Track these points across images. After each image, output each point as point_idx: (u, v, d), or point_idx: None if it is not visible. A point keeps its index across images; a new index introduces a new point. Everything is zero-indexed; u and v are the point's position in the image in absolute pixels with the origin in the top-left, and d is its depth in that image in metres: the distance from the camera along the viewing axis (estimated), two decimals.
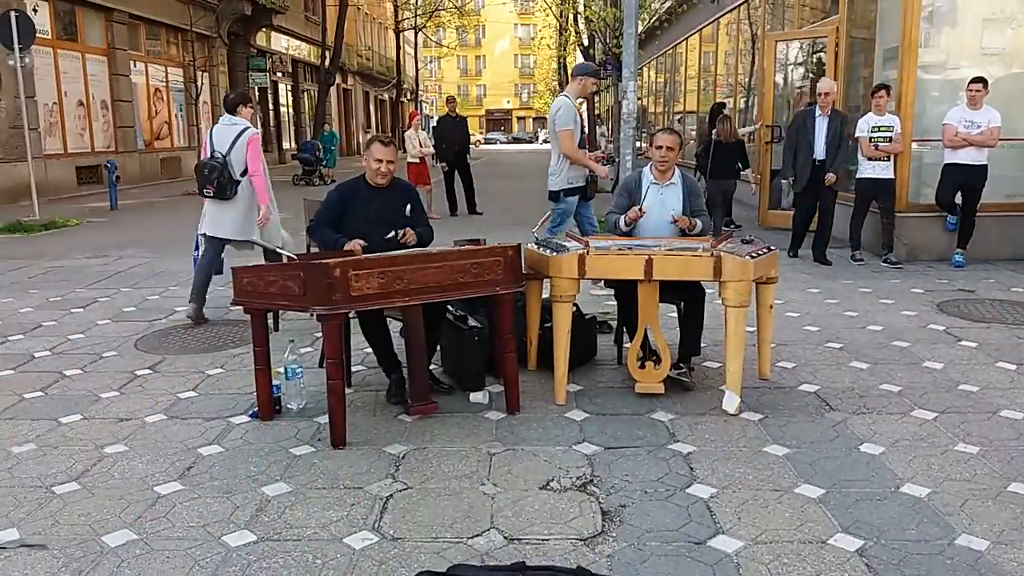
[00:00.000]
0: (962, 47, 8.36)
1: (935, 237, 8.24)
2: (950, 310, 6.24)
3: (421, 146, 12.68)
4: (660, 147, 4.66)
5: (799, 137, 8.07)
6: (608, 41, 17.20)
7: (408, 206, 4.57)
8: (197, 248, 6.34)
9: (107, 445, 3.80)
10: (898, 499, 3.20)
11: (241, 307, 4.12)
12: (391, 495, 3.26)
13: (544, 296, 4.56)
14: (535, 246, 4.56)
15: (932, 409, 4.17)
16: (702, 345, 4.86)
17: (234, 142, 5.84)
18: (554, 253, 4.28)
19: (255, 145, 5.89)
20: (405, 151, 12.90)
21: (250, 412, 4.14)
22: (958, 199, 7.79)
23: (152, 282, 7.76)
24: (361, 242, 4.30)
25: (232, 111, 6.02)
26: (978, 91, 7.49)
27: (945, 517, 3.05)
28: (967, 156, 7.54)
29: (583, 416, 4.12)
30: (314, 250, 4.98)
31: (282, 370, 4.20)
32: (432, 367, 4.55)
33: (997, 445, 3.72)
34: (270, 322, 5.75)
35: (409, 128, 13.37)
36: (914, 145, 8.24)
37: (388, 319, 4.37)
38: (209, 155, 5.85)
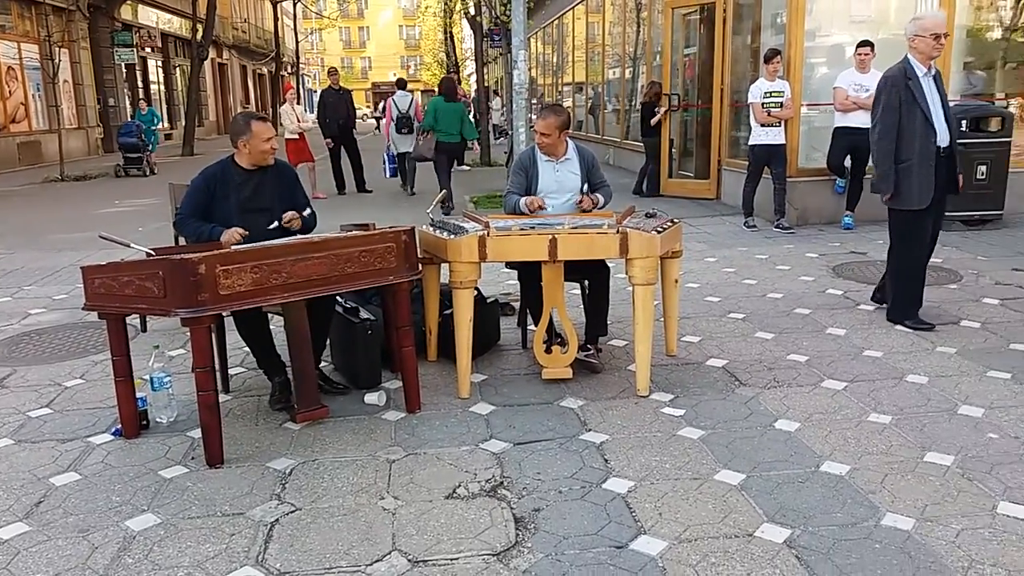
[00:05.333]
0: (835, 14, 8.48)
1: (825, 200, 8.37)
2: (845, 273, 6.30)
3: (299, 121, 12.00)
4: (536, 132, 4.40)
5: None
6: (495, 9, 16.78)
7: (288, 188, 4.14)
8: None
9: None
10: (820, 479, 3.08)
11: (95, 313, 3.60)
12: (277, 520, 2.88)
13: (443, 282, 4.24)
14: (431, 228, 4.22)
15: (841, 379, 4.11)
16: (608, 323, 4.66)
17: None
18: (452, 236, 3.96)
19: None
20: (282, 126, 12.21)
21: (113, 430, 3.65)
22: (847, 162, 7.91)
23: (3, 282, 6.97)
24: (241, 231, 3.82)
25: None
26: (866, 55, 7.59)
27: (868, 496, 2.94)
28: (856, 119, 7.63)
29: (489, 409, 3.84)
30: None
31: (147, 379, 3.72)
32: (322, 365, 4.16)
33: (908, 413, 3.67)
34: (137, 324, 5.21)
35: (285, 102, 12.64)
36: (803, 109, 8.31)
37: (269, 315, 3.96)
38: None
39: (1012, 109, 8.48)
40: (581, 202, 4.41)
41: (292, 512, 2.93)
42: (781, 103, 7.78)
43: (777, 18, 8.61)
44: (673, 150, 11.32)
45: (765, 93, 7.79)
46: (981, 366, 4.22)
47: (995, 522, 2.75)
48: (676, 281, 4.48)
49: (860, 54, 7.62)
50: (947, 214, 7.68)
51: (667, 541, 2.68)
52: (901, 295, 4.96)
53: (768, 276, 6.29)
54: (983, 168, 7.58)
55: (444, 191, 5.18)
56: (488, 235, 3.87)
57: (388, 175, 12.62)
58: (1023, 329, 4.79)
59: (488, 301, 4.78)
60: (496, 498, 3.00)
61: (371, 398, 3.93)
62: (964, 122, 7.54)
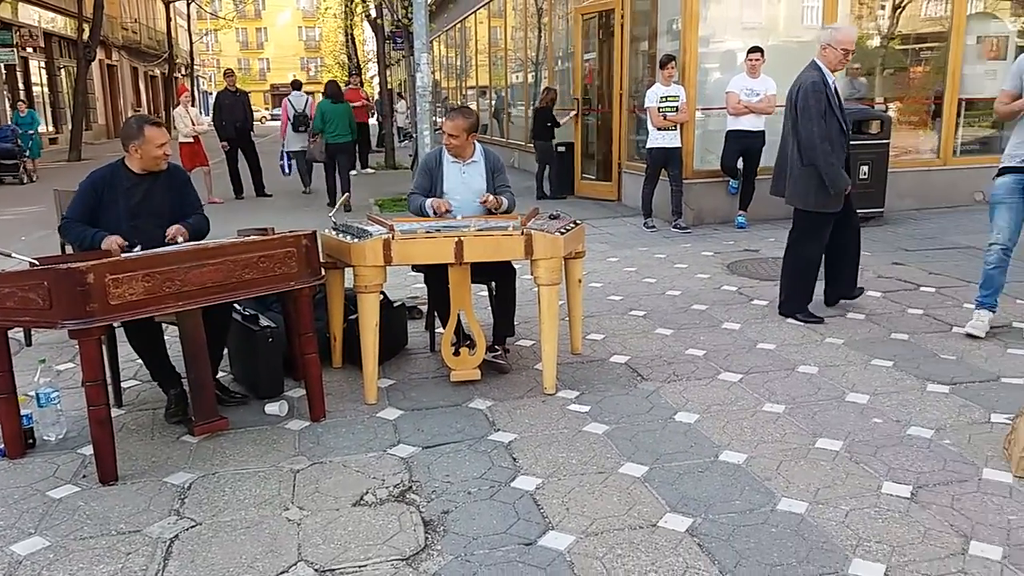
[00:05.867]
0: (727, 21, 8.81)
1: (719, 201, 8.68)
2: (739, 270, 6.55)
3: (194, 124, 11.60)
4: (445, 133, 4.42)
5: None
6: (397, 12, 16.67)
7: (179, 193, 3.99)
8: None
9: None
10: (719, 468, 3.20)
11: None
12: (176, 536, 2.78)
13: (348, 286, 4.18)
14: (334, 232, 4.16)
15: (737, 371, 4.28)
16: (515, 324, 4.70)
17: None
18: (356, 239, 3.91)
19: None
20: (176, 129, 11.77)
21: None
22: (740, 164, 8.22)
23: None
24: (119, 240, 3.65)
25: None
26: (757, 60, 7.92)
27: (764, 482, 3.07)
28: (748, 123, 7.97)
29: (397, 414, 3.81)
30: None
31: (33, 395, 3.52)
32: (220, 375, 4.04)
33: (800, 402, 3.85)
34: (20, 337, 4.93)
35: (178, 105, 12.20)
36: (698, 113, 8.60)
37: (163, 324, 3.81)
38: None
39: (891, 113, 9.01)
40: (485, 201, 4.43)
41: (192, 527, 2.83)
42: (677, 107, 8.03)
43: (673, 24, 8.88)
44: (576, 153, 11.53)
45: (661, 98, 8.02)
46: (866, 355, 4.46)
47: (880, 501, 2.92)
48: (580, 281, 4.56)
49: (751, 59, 7.95)
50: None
51: (574, 536, 2.73)
52: (796, 290, 5.18)
53: (667, 274, 6.48)
54: (865, 168, 8.02)
55: (347, 194, 5.10)
56: (393, 238, 3.84)
57: (286, 172, 12.76)
58: (903, 320, 5.10)
59: (395, 305, 4.74)
60: (405, 503, 2.98)
61: (273, 408, 3.84)
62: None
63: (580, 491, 3.03)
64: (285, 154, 12.55)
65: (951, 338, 4.71)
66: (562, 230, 4.05)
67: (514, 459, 3.31)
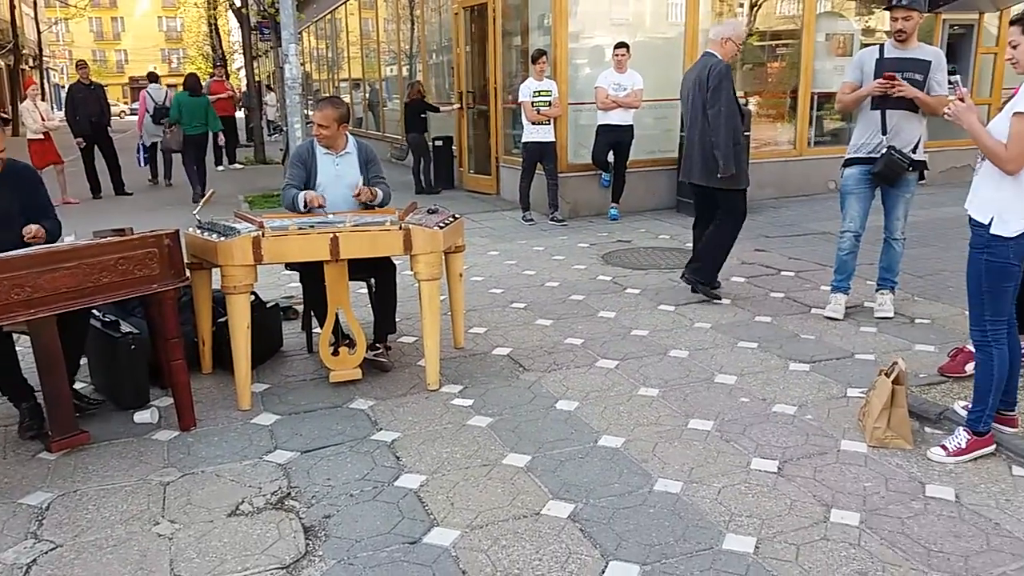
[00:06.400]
0: (596, 17, 9.01)
1: (593, 194, 8.88)
2: (614, 261, 6.72)
3: (44, 119, 10.81)
4: (315, 124, 4.31)
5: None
6: (263, 1, 16.09)
7: (28, 194, 3.70)
8: None
9: None
10: (598, 453, 3.27)
11: None
12: (34, 560, 2.59)
13: (216, 287, 4.00)
14: (198, 230, 3.97)
15: (613, 358, 4.39)
16: (396, 320, 4.64)
17: None
18: (222, 237, 3.74)
19: None
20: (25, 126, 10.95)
21: None
22: (610, 157, 8.43)
23: None
24: None
25: None
26: (623, 55, 8.13)
27: (642, 464, 3.17)
28: (616, 117, 8.18)
29: (273, 419, 3.69)
30: None
31: None
32: (79, 385, 3.79)
33: (672, 385, 4.00)
34: None
35: (25, 99, 11.34)
36: (570, 108, 8.75)
37: (13, 334, 3.53)
38: None
39: (751, 107, 9.47)
40: (359, 194, 4.33)
41: (52, 550, 2.64)
42: (550, 102, 8.14)
43: (544, 19, 8.99)
44: (454, 147, 11.53)
45: (534, 92, 8.11)
46: (732, 338, 4.68)
47: (749, 477, 3.07)
48: (460, 275, 4.55)
49: (617, 55, 8.16)
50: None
51: (459, 530, 2.73)
52: (716, 263, 5.47)
53: (546, 266, 6.58)
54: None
55: (212, 190, 4.87)
56: (263, 236, 3.71)
57: (141, 164, 12.90)
58: (766, 303, 5.38)
59: (268, 306, 4.59)
60: (284, 510, 2.89)
61: (140, 417, 3.64)
62: None
63: (464, 485, 3.04)
64: (142, 146, 12.75)
65: (810, 319, 5.01)
66: (441, 224, 4.03)
67: (397, 458, 3.28)
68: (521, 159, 8.58)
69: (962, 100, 3.06)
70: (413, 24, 14.34)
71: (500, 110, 10.16)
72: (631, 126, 8.29)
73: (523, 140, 8.39)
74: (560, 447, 3.34)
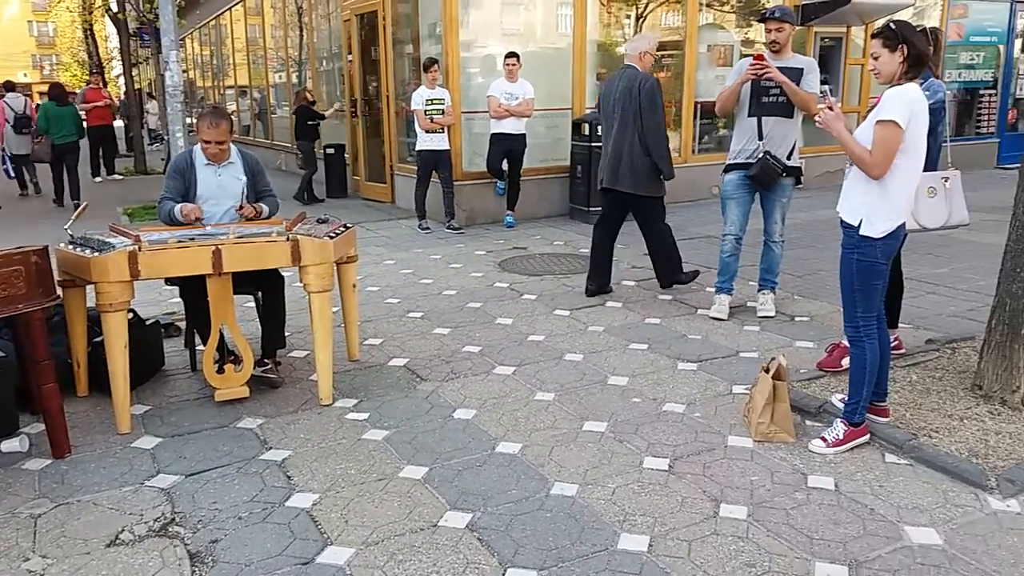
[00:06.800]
0: (488, 26, 9.07)
1: (489, 202, 8.91)
2: (510, 268, 6.76)
3: None
4: (208, 141, 4.12)
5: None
6: (141, 6, 15.41)
7: None
8: None
9: None
10: (496, 460, 3.27)
11: None
12: None
13: (91, 305, 3.78)
14: (70, 246, 3.74)
15: (510, 364, 4.41)
16: (286, 335, 4.52)
17: None
18: (96, 253, 3.54)
19: None
20: None
21: None
22: (505, 165, 8.49)
23: None
24: None
25: None
26: (513, 65, 8.20)
27: (539, 469, 3.19)
28: (509, 126, 8.24)
29: (155, 442, 3.51)
30: None
31: None
32: None
33: (568, 388, 4.04)
34: None
35: None
36: (463, 116, 8.76)
37: None
38: None
39: None
40: (241, 208, 4.19)
41: None
42: (443, 110, 8.13)
43: (435, 28, 8.97)
44: (346, 155, 11.34)
45: (426, 100, 8.08)
46: (624, 340, 4.78)
47: (642, 476, 3.14)
48: (354, 286, 4.47)
49: (508, 64, 8.23)
50: (590, 209, 8.67)
51: (354, 548, 2.66)
52: (670, 262, 5.80)
53: (443, 275, 6.55)
54: None
55: (85, 203, 4.60)
56: (140, 250, 3.53)
57: (10, 176, 12.48)
58: (655, 305, 5.53)
59: (148, 323, 4.38)
60: (167, 537, 2.75)
61: (12, 444, 3.39)
62: (600, 127, 8.49)
63: (360, 501, 2.97)
64: (6, 157, 12.30)
65: (697, 319, 5.18)
66: (331, 234, 3.94)
67: (288, 477, 3.18)
68: (416, 167, 8.53)
69: (831, 109, 3.22)
70: (302, 31, 14.05)
71: (393, 118, 10.07)
72: (524, 135, 8.38)
73: (417, 148, 8.34)
74: (458, 456, 3.32)
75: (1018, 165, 3.71)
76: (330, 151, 11.14)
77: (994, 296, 3.74)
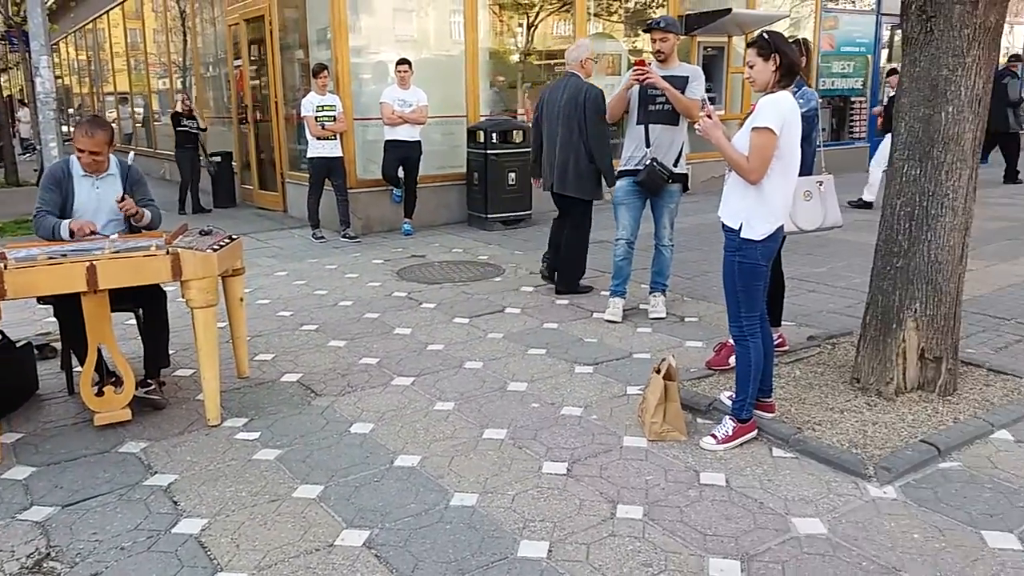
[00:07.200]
0: (381, 32, 8.98)
1: (385, 209, 8.81)
2: (408, 276, 6.70)
3: None
4: (83, 151, 3.89)
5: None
6: (8, 9, 14.51)
7: None
8: None
9: None
10: (394, 474, 3.22)
11: None
12: None
13: None
14: None
15: (409, 374, 4.35)
16: (170, 353, 4.32)
17: None
18: None
19: None
20: None
21: None
22: (400, 173, 8.41)
23: None
24: None
25: None
26: (405, 72, 8.14)
27: (438, 481, 3.15)
28: (404, 132, 8.17)
29: (28, 472, 3.28)
30: None
31: None
32: None
33: (467, 396, 4.03)
34: None
35: None
36: (356, 123, 8.63)
37: None
38: None
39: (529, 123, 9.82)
40: (123, 201, 3.94)
41: None
42: (334, 116, 7.99)
43: (326, 33, 8.81)
44: (234, 163, 10.99)
45: (317, 107, 7.93)
46: (523, 346, 4.81)
47: (541, 481, 3.15)
48: (241, 299, 4.31)
49: (400, 71, 8.16)
50: (488, 216, 8.70)
51: (246, 573, 2.56)
52: (575, 268, 6.00)
53: (338, 285, 6.42)
54: (513, 175, 8.68)
55: None
56: (5, 268, 3.30)
57: None
58: (552, 310, 5.58)
59: (19, 345, 4.10)
60: (42, 573, 2.58)
61: None
62: (495, 135, 8.55)
63: (251, 524, 2.86)
64: None
65: (592, 323, 5.26)
66: (215, 246, 3.79)
67: (175, 502, 3.03)
68: (308, 175, 8.34)
69: (709, 117, 3.33)
70: (185, 35, 13.55)
71: (283, 124, 9.83)
72: (419, 142, 8.33)
73: (308, 155, 8.16)
74: (355, 473, 3.24)
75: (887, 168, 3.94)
76: (217, 159, 10.77)
77: (867, 293, 3.96)
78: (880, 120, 10.25)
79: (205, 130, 10.53)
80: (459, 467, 3.27)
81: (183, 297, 3.67)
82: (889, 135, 9.65)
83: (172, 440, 3.58)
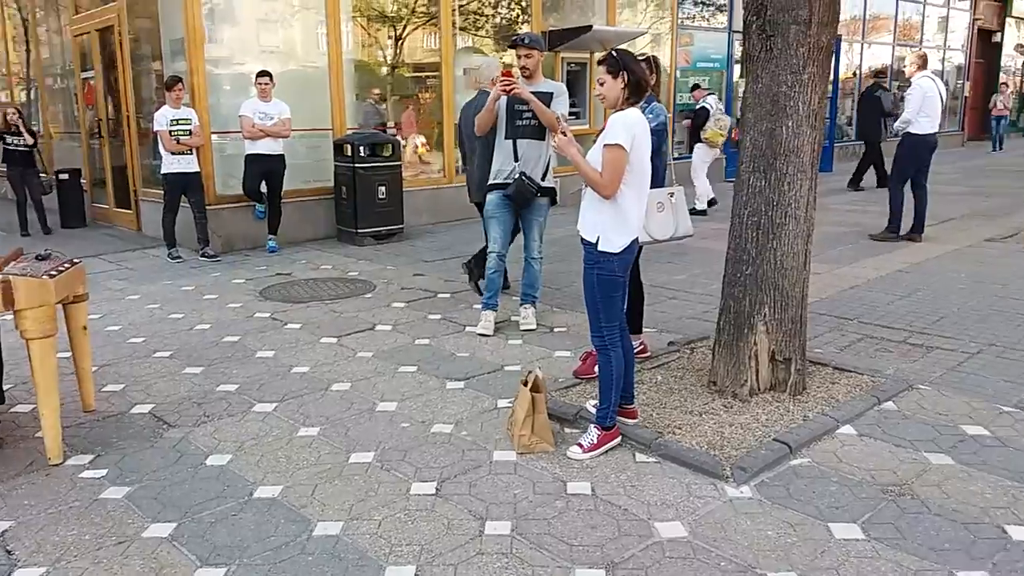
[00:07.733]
0: (244, 43, 8.68)
1: (248, 226, 8.48)
2: (272, 295, 6.47)
3: None
4: None
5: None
6: None
7: None
8: None
9: None
10: (253, 507, 3.07)
11: None
12: None
13: None
14: None
15: (271, 400, 4.19)
16: (4, 389, 3.98)
17: None
18: None
19: None
20: None
21: None
22: (263, 188, 8.13)
23: None
24: None
25: None
26: (266, 84, 7.88)
27: (301, 511, 3.04)
28: (265, 146, 7.90)
29: None
30: None
31: None
32: None
33: (334, 420, 3.91)
34: None
35: None
36: (214, 137, 8.28)
37: None
38: None
39: (399, 137, 9.74)
40: None
41: None
42: (190, 131, 7.64)
43: (181, 44, 8.41)
44: (83, 180, 10.33)
45: (171, 121, 7.56)
46: (394, 364, 4.72)
47: (409, 503, 3.09)
48: (85, 328, 4.02)
49: (260, 84, 7.90)
50: (358, 231, 8.54)
51: None
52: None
53: (196, 307, 6.12)
54: (383, 188, 8.56)
55: None
56: None
57: None
58: (425, 326, 5.53)
59: None
60: None
61: None
62: (363, 148, 8.41)
63: (95, 571, 2.66)
64: None
65: (464, 337, 5.24)
66: (53, 272, 3.52)
67: (9, 552, 2.78)
68: (163, 192, 7.93)
69: (564, 134, 3.39)
70: (28, 45, 12.64)
71: (135, 139, 9.32)
72: (282, 155, 8.08)
73: (163, 171, 7.76)
74: (210, 508, 3.07)
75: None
76: (64, 176, 10.07)
77: (720, 299, 4.13)
78: (689, 131, 11.08)
79: (34, 145, 9.67)
80: (323, 495, 3.16)
81: (17, 328, 3.38)
82: (698, 146, 10.43)
83: (8, 483, 3.29)
